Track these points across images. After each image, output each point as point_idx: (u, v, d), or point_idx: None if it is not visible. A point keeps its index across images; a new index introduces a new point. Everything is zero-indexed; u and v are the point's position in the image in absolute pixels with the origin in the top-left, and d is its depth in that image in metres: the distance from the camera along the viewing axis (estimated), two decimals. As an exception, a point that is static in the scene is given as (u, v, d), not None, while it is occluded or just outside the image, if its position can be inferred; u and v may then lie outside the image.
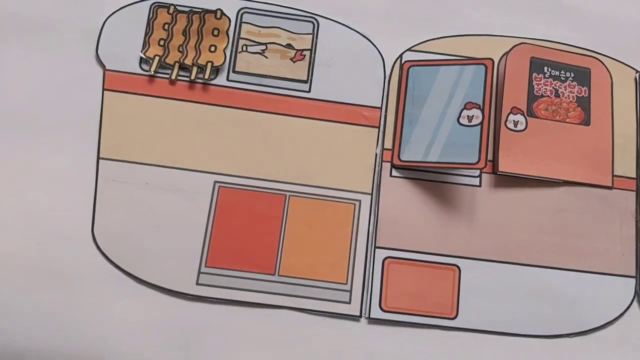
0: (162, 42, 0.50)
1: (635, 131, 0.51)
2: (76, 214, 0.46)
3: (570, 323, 0.46)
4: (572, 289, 0.47)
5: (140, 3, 0.51)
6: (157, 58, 0.49)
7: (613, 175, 0.50)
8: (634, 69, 0.53)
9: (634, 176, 0.50)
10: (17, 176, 0.47)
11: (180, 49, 0.50)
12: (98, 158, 0.47)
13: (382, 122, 0.50)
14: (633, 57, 0.53)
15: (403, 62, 0.51)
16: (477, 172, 0.49)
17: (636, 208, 0.49)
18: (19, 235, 0.45)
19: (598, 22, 0.54)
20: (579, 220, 0.48)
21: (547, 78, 0.50)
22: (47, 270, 0.45)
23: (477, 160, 0.45)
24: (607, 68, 0.52)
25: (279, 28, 0.51)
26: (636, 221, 0.49)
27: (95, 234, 0.46)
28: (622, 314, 0.47)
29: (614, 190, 0.49)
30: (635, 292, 0.47)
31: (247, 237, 0.46)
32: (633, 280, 0.47)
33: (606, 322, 0.46)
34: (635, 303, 0.47)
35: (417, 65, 0.50)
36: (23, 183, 0.47)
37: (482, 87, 0.47)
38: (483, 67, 0.47)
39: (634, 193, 0.49)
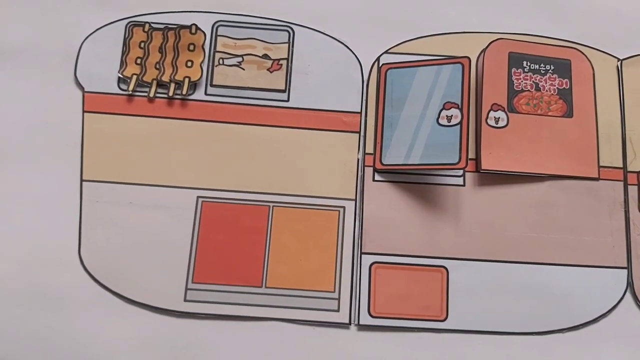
0: (139, 61, 0.50)
1: (620, 120, 0.50)
2: (63, 237, 0.46)
3: (563, 318, 0.46)
4: (563, 283, 0.46)
5: (116, 23, 0.51)
6: (134, 77, 0.49)
7: (599, 166, 0.49)
8: (615, 57, 0.52)
9: (621, 166, 0.49)
10: (2, 202, 0.47)
11: (157, 66, 0.50)
12: (81, 180, 0.48)
13: (362, 127, 0.50)
14: (614, 45, 0.52)
15: (380, 65, 0.51)
16: (461, 172, 0.48)
17: (624, 198, 0.48)
18: (7, 261, 0.46)
19: (577, 13, 0.54)
20: (566, 214, 0.48)
21: (527, 72, 0.50)
22: (37, 294, 0.45)
23: (457, 160, 0.45)
24: (587, 58, 0.51)
25: (255, 39, 0.51)
26: (625, 211, 0.48)
27: (82, 256, 0.46)
28: (615, 306, 0.46)
29: (600, 181, 0.49)
30: (628, 283, 0.47)
31: (232, 250, 0.46)
32: (625, 272, 0.47)
33: (599, 315, 0.46)
34: (628, 294, 0.47)
35: (395, 68, 0.50)
36: (8, 209, 0.47)
37: (460, 86, 0.47)
38: (460, 66, 0.47)
39: (622, 183, 0.49)
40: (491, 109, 0.49)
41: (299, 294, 0.46)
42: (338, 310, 0.45)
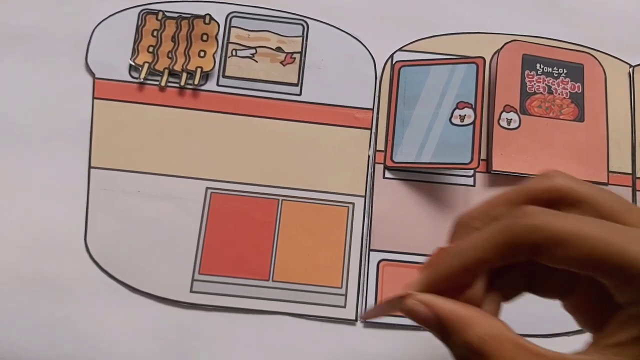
0: (151, 49, 0.50)
1: (630, 126, 0.50)
2: (69, 224, 0.46)
3: (569, 321, 0.46)
4: (569, 287, 0.46)
5: (129, 10, 0.51)
6: (146, 65, 0.49)
7: (608, 172, 0.49)
8: (627, 63, 0.52)
9: (630, 172, 0.49)
10: (8, 187, 0.47)
11: (170, 55, 0.50)
12: (89, 167, 0.47)
13: (374, 124, 0.49)
14: (626, 51, 0.52)
15: (394, 62, 0.51)
16: (471, 172, 0.48)
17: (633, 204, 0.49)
18: (12, 247, 0.45)
19: (590, 17, 0.54)
20: (575, 217, 0.48)
21: (540, 75, 0.50)
22: (42, 281, 0.45)
23: (470, 160, 0.45)
24: (600, 63, 0.51)
25: (269, 31, 0.51)
26: (633, 217, 0.48)
27: (88, 244, 0.46)
28: (620, 311, 0.46)
29: (609, 186, 0.49)
30: (634, 288, 0.47)
31: (240, 243, 0.46)
32: (631, 277, 0.47)
33: (605, 319, 0.46)
34: (633, 300, 0.47)
35: (408, 66, 0.50)
36: (15, 194, 0.46)
37: (474, 86, 0.47)
38: (474, 66, 0.47)
39: (630, 189, 0.49)
40: (503, 110, 0.49)
41: (305, 289, 0.45)
42: (344, 307, 0.45)
